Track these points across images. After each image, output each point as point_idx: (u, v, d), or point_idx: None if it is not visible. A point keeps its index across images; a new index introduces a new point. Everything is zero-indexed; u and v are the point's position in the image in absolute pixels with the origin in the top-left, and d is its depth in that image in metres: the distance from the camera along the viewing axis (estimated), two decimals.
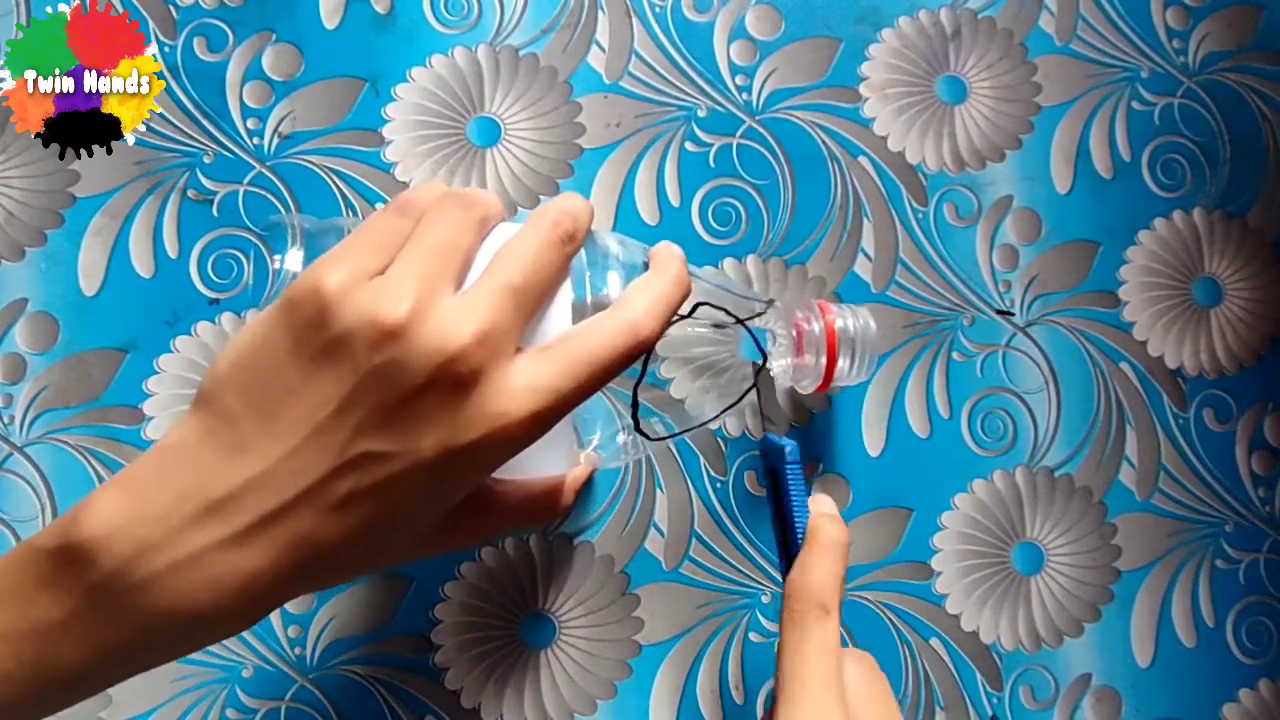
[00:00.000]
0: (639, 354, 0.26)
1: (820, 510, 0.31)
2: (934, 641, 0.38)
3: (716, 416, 0.33)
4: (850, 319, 0.34)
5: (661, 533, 0.38)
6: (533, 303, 0.25)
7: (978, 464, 0.39)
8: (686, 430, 0.33)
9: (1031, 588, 0.39)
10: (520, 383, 0.24)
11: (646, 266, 0.28)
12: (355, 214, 0.39)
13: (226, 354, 0.24)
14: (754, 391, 0.33)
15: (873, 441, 0.39)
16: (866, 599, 0.38)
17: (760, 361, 0.32)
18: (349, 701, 0.36)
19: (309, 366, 0.23)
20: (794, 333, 0.34)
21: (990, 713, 0.38)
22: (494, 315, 0.24)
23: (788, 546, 0.31)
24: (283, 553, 0.23)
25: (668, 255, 0.28)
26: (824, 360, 0.34)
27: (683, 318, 0.29)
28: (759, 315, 0.33)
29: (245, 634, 0.36)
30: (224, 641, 0.36)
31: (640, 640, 0.37)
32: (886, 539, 0.38)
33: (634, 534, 0.38)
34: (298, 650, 0.36)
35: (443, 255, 0.25)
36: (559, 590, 0.37)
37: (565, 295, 0.27)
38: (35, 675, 0.22)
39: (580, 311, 0.27)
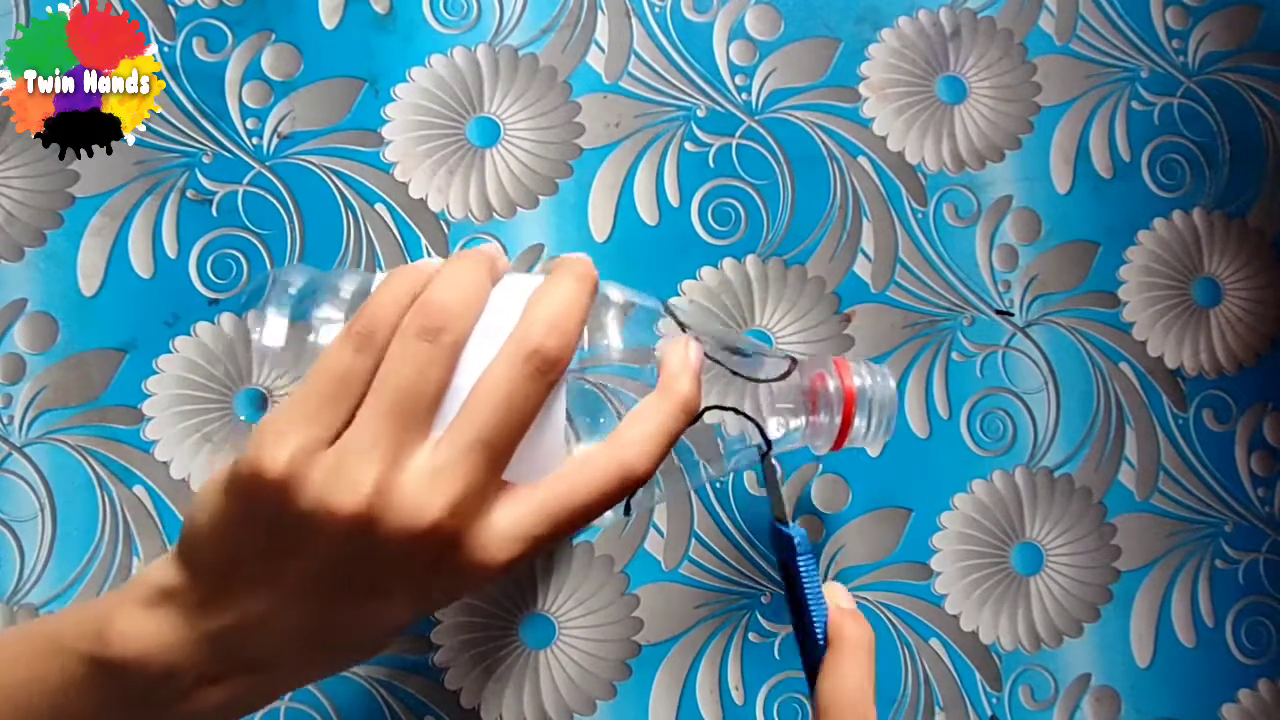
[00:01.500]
0: (629, 493, 0.24)
1: (839, 605, 0.29)
2: (933, 642, 0.38)
3: (713, 480, 0.32)
4: (868, 377, 0.33)
5: (661, 533, 0.38)
6: (510, 446, 0.23)
7: (977, 464, 0.39)
8: (656, 503, 0.33)
9: (1031, 588, 0.39)
10: (500, 533, 0.23)
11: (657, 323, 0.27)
12: (354, 214, 0.39)
13: (195, 509, 0.24)
14: (765, 480, 0.32)
15: None
16: (866, 599, 0.38)
17: (765, 449, 0.30)
18: (349, 701, 0.36)
19: (272, 547, 0.23)
20: (809, 390, 0.33)
21: (990, 713, 0.38)
22: (466, 478, 0.22)
23: (805, 638, 0.29)
24: (276, 672, 0.24)
25: (679, 367, 0.25)
26: (839, 420, 0.32)
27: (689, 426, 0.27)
28: (781, 378, 0.31)
29: None
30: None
31: (640, 640, 0.37)
32: (886, 539, 0.38)
33: (634, 534, 0.38)
34: None
35: (405, 408, 0.23)
36: (559, 590, 0.37)
37: (556, 411, 0.24)
38: None
39: (575, 395, 0.26)
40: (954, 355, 0.40)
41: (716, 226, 0.40)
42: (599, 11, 0.41)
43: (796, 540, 0.29)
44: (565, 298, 0.24)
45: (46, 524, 0.37)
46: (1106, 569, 0.39)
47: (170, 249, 0.38)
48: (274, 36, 0.40)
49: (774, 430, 0.32)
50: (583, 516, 0.24)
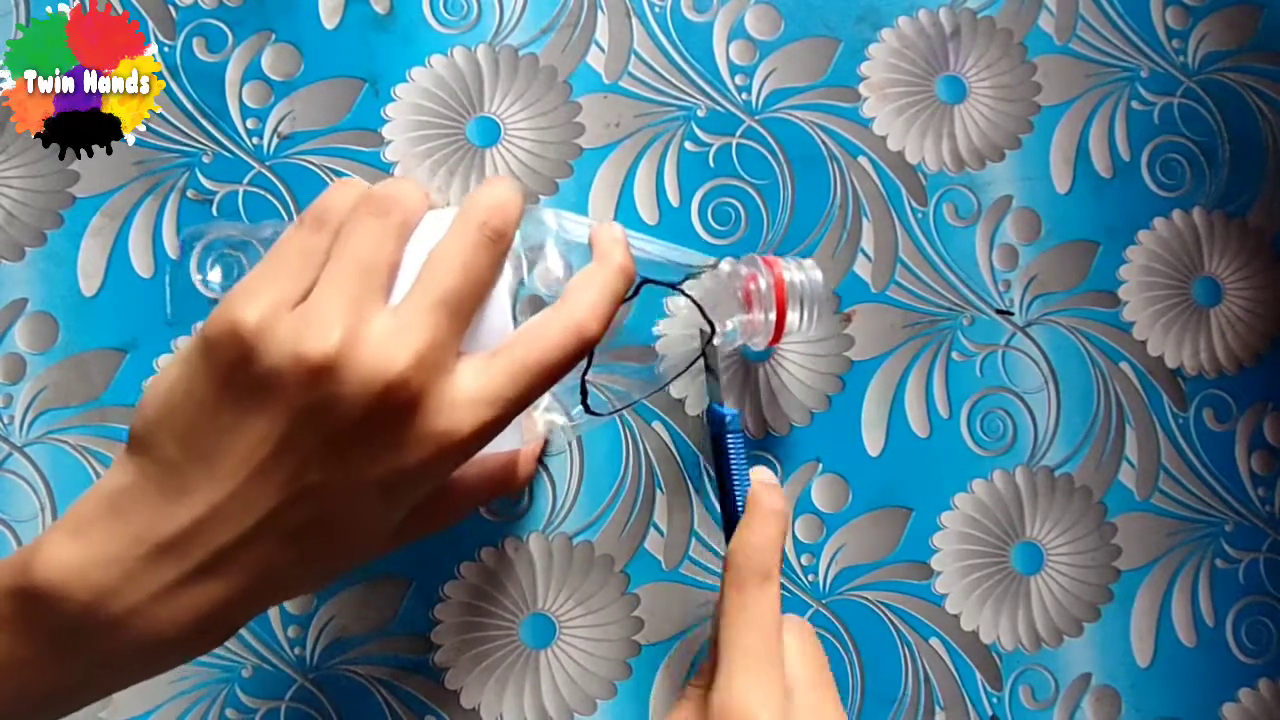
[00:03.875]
0: (585, 353, 0.25)
1: (760, 479, 0.31)
2: (934, 641, 0.38)
3: (664, 385, 0.33)
4: (796, 271, 0.34)
5: (661, 533, 0.38)
6: (468, 311, 0.25)
7: (977, 464, 0.39)
8: (631, 404, 0.33)
9: (1031, 587, 0.39)
10: (465, 395, 0.24)
11: (590, 243, 0.28)
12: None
13: (152, 395, 0.24)
14: (704, 361, 0.33)
15: (872, 441, 0.39)
16: (866, 599, 0.38)
17: (709, 331, 0.32)
18: (349, 701, 0.36)
19: (240, 407, 0.23)
20: (742, 290, 0.34)
21: (990, 713, 0.38)
22: (429, 333, 0.23)
23: (729, 514, 0.31)
24: (241, 583, 0.23)
25: (610, 241, 0.27)
26: (773, 315, 0.34)
27: (627, 300, 0.29)
28: (699, 274, 0.33)
29: (245, 633, 0.36)
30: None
31: (640, 640, 0.37)
32: (886, 539, 0.38)
33: (634, 534, 0.38)
34: (297, 650, 0.36)
35: (366, 272, 0.24)
36: (559, 590, 0.37)
37: (503, 291, 0.26)
38: (3, 703, 0.23)
39: (519, 300, 0.27)
40: (954, 355, 0.40)
41: (716, 226, 0.40)
42: (599, 11, 0.41)
43: (728, 418, 0.32)
44: (501, 189, 0.26)
45: (47, 524, 0.37)
46: (1107, 568, 0.39)
47: (171, 249, 0.38)
48: (274, 36, 0.40)
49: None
50: (545, 376, 0.24)
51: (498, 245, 0.25)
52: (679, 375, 0.33)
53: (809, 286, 0.34)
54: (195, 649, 0.24)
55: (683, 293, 0.31)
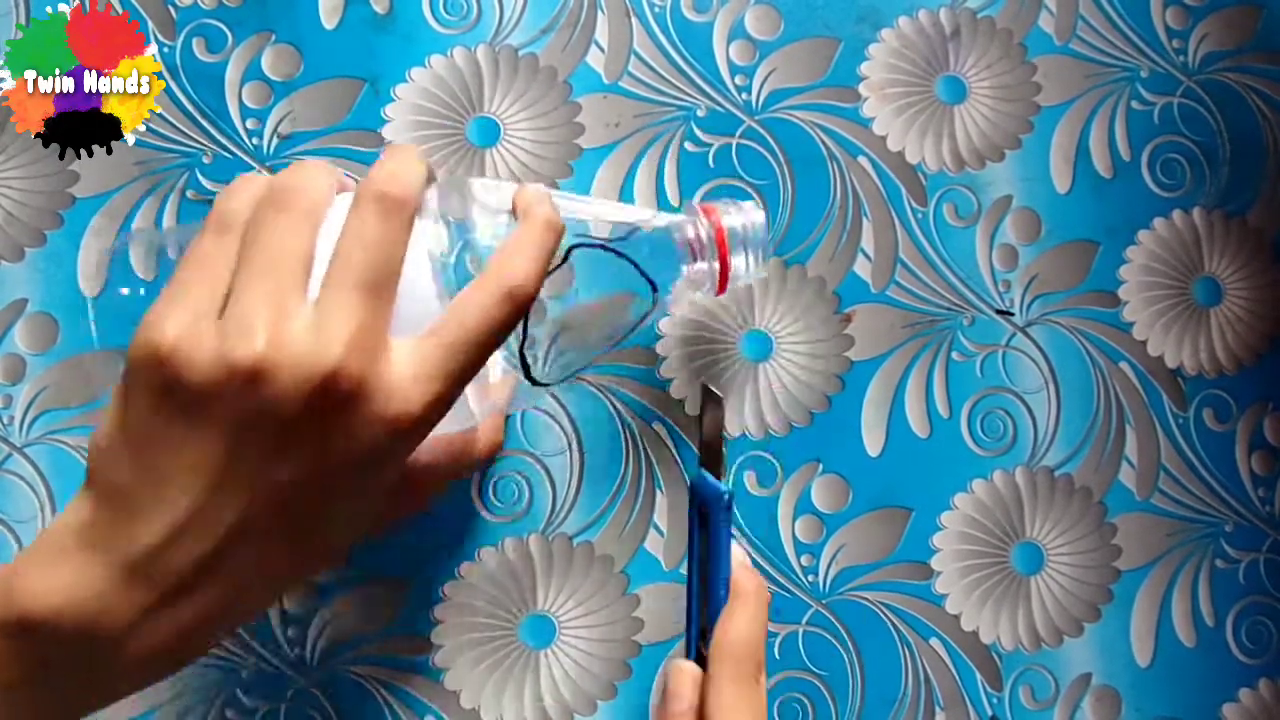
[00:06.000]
0: (520, 314, 0.25)
1: (741, 562, 0.31)
2: (934, 641, 0.38)
3: (614, 346, 0.33)
4: (736, 215, 0.34)
5: (661, 533, 0.38)
6: (389, 289, 0.24)
7: (977, 464, 0.39)
8: (577, 372, 0.33)
9: (1031, 587, 0.39)
10: (408, 375, 0.23)
11: (514, 210, 0.28)
12: None
13: (99, 427, 0.24)
14: (700, 434, 0.33)
15: (872, 441, 0.39)
16: (866, 599, 0.38)
17: (652, 290, 0.31)
18: (349, 701, 0.36)
19: (182, 422, 0.22)
20: (683, 241, 0.34)
21: (990, 713, 0.38)
22: (356, 318, 0.23)
23: (704, 591, 0.31)
24: (225, 590, 0.23)
25: (534, 199, 0.27)
26: (717, 264, 0.34)
27: (557, 266, 0.28)
28: (636, 232, 0.33)
29: (244, 633, 0.36)
30: (223, 642, 0.36)
31: (640, 640, 0.37)
32: (886, 539, 0.38)
33: (634, 534, 0.38)
34: (297, 650, 0.36)
35: (279, 268, 0.23)
36: (559, 590, 0.37)
37: (422, 260, 0.25)
38: None
39: (444, 270, 0.27)
40: (954, 355, 0.40)
41: None
42: (599, 11, 0.41)
43: (725, 497, 0.32)
44: (395, 159, 0.25)
45: (46, 525, 0.36)
46: (1107, 568, 0.39)
47: (170, 249, 0.38)
48: (274, 37, 0.40)
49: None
50: (484, 344, 0.24)
51: (402, 213, 0.24)
52: (628, 336, 0.33)
53: (750, 230, 0.34)
54: (186, 661, 0.24)
55: (617, 252, 0.31)
